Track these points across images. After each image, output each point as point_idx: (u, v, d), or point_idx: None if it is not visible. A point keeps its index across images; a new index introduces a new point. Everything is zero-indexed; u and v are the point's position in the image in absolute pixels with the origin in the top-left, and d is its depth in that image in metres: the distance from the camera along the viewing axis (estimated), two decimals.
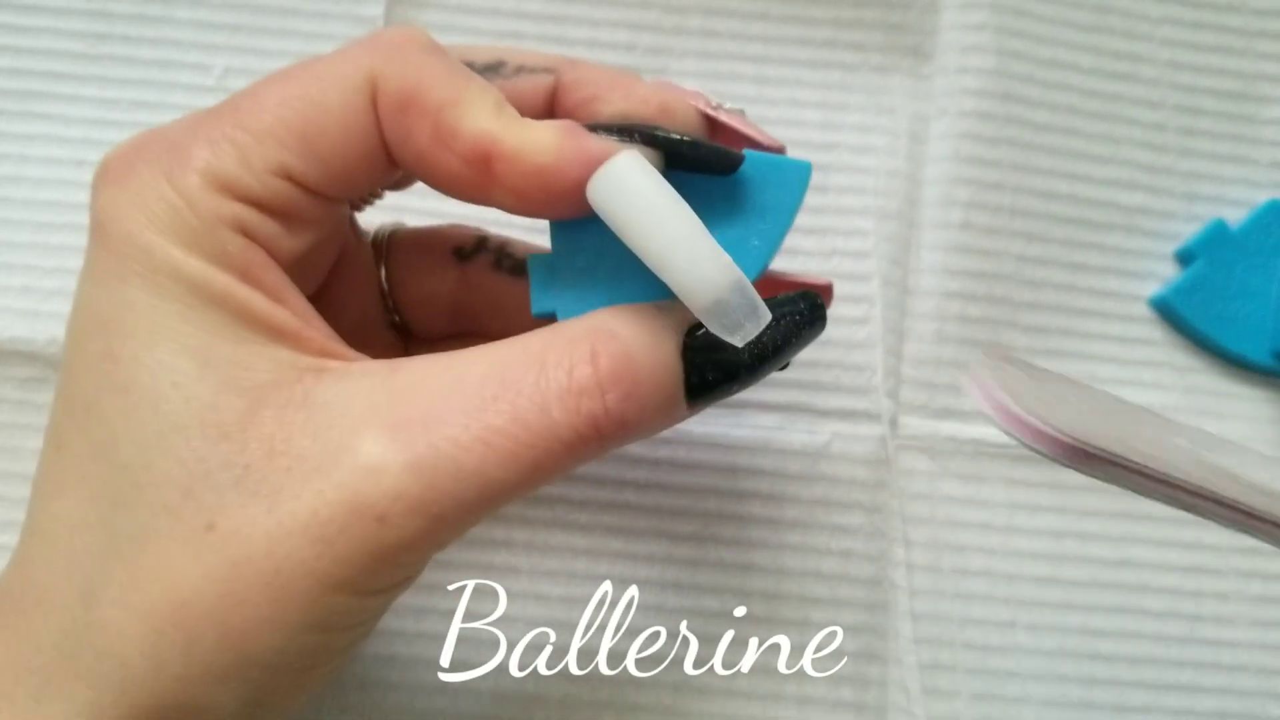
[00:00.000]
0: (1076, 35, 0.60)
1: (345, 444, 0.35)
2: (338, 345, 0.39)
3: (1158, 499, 0.31)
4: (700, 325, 0.37)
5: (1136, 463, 0.30)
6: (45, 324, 0.54)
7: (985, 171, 0.58)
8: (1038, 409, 0.31)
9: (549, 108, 0.43)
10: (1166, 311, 0.58)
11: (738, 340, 0.36)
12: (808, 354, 0.55)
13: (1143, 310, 0.58)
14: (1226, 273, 0.57)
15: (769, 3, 0.60)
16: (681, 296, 0.36)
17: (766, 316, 0.37)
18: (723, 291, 0.36)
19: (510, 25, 0.59)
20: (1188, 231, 0.59)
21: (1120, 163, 0.59)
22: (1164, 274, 0.59)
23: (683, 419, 0.40)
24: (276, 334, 0.37)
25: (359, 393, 0.36)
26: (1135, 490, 0.31)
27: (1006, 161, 0.58)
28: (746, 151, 0.39)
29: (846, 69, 0.60)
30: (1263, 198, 0.59)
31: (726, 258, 0.36)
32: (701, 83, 0.57)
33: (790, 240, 0.54)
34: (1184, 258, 0.58)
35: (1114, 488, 0.31)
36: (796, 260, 0.56)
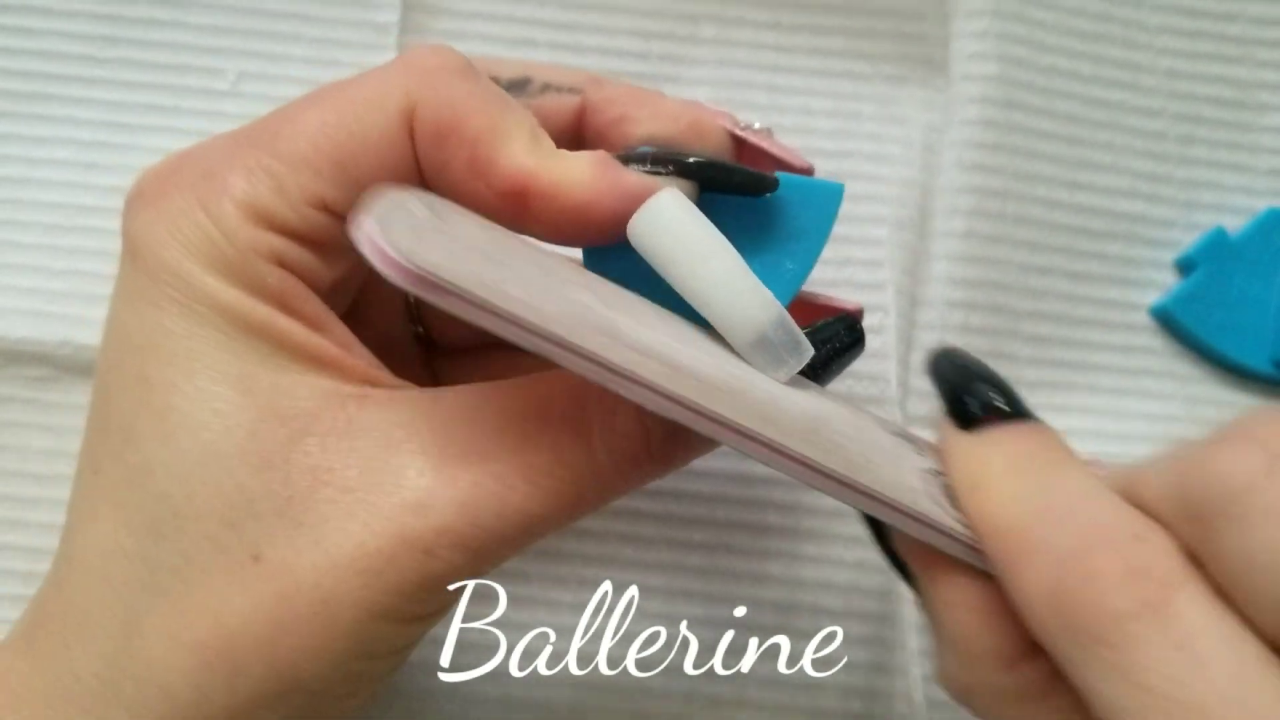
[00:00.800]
0: (1077, 43, 0.60)
1: (391, 476, 0.35)
2: (380, 373, 0.39)
3: (520, 343, 0.31)
4: None
5: (482, 299, 0.30)
6: (55, 325, 0.54)
7: (989, 179, 0.58)
8: (408, 241, 0.30)
9: (576, 128, 0.43)
10: (1167, 320, 0.58)
11: (781, 375, 0.37)
12: None
13: (1143, 319, 0.59)
14: (1226, 281, 0.58)
15: (782, 12, 0.59)
16: (723, 332, 0.36)
17: (809, 351, 0.37)
18: (765, 329, 0.36)
19: (524, 32, 0.59)
20: (1188, 240, 0.59)
21: (1120, 171, 0.59)
22: (1164, 282, 0.59)
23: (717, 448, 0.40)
24: (318, 362, 0.37)
25: (402, 422, 0.36)
26: (494, 330, 0.31)
27: (1009, 169, 0.58)
28: (779, 174, 0.40)
29: (859, 79, 0.60)
30: (1262, 206, 0.59)
31: (768, 293, 0.36)
32: (714, 92, 0.57)
33: None
34: (1184, 266, 0.59)
35: None
36: (813, 269, 0.56)
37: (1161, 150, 0.60)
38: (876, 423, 0.39)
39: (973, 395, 0.37)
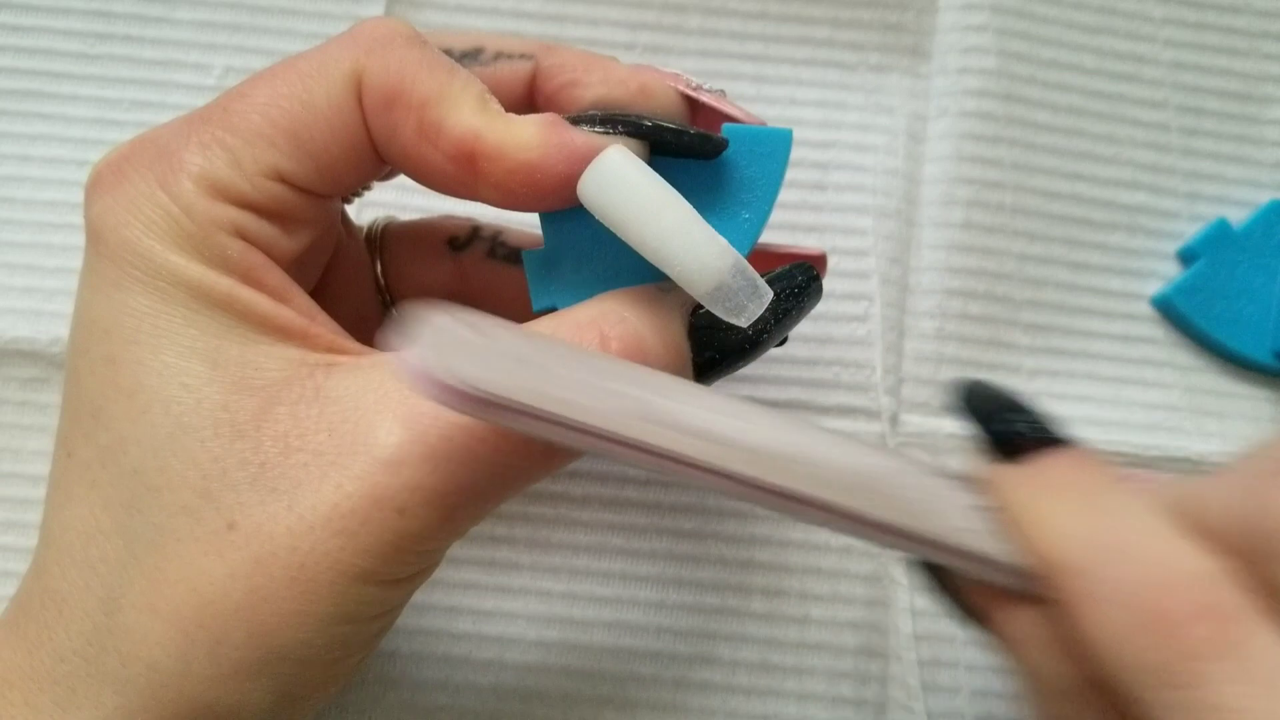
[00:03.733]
0: (1079, 36, 0.60)
1: (361, 437, 0.35)
2: (345, 340, 0.39)
3: (568, 443, 0.32)
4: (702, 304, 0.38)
5: (523, 404, 0.31)
6: (48, 324, 0.54)
7: (986, 171, 0.58)
8: (456, 364, 0.31)
9: (529, 94, 0.43)
10: (1168, 310, 0.58)
11: (742, 321, 0.37)
12: (808, 351, 0.55)
13: (1145, 309, 0.58)
14: (1228, 272, 0.57)
15: (768, 2, 0.60)
16: (683, 285, 0.36)
17: (769, 295, 0.37)
18: (723, 276, 0.36)
19: (509, 25, 0.59)
20: (1190, 231, 0.59)
21: (1123, 163, 0.59)
22: (1166, 273, 0.59)
23: None
24: (283, 333, 0.38)
25: (370, 385, 0.37)
26: (554, 438, 0.32)
27: (1008, 161, 0.58)
28: (725, 126, 0.40)
29: (845, 68, 0.60)
30: (1265, 197, 0.59)
31: (723, 241, 0.36)
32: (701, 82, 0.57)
33: (790, 237, 0.54)
34: (1186, 257, 0.58)
35: None
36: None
37: (1165, 142, 0.59)
38: (916, 465, 0.39)
39: (1011, 424, 0.37)
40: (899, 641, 0.53)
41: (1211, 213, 0.59)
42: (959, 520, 0.36)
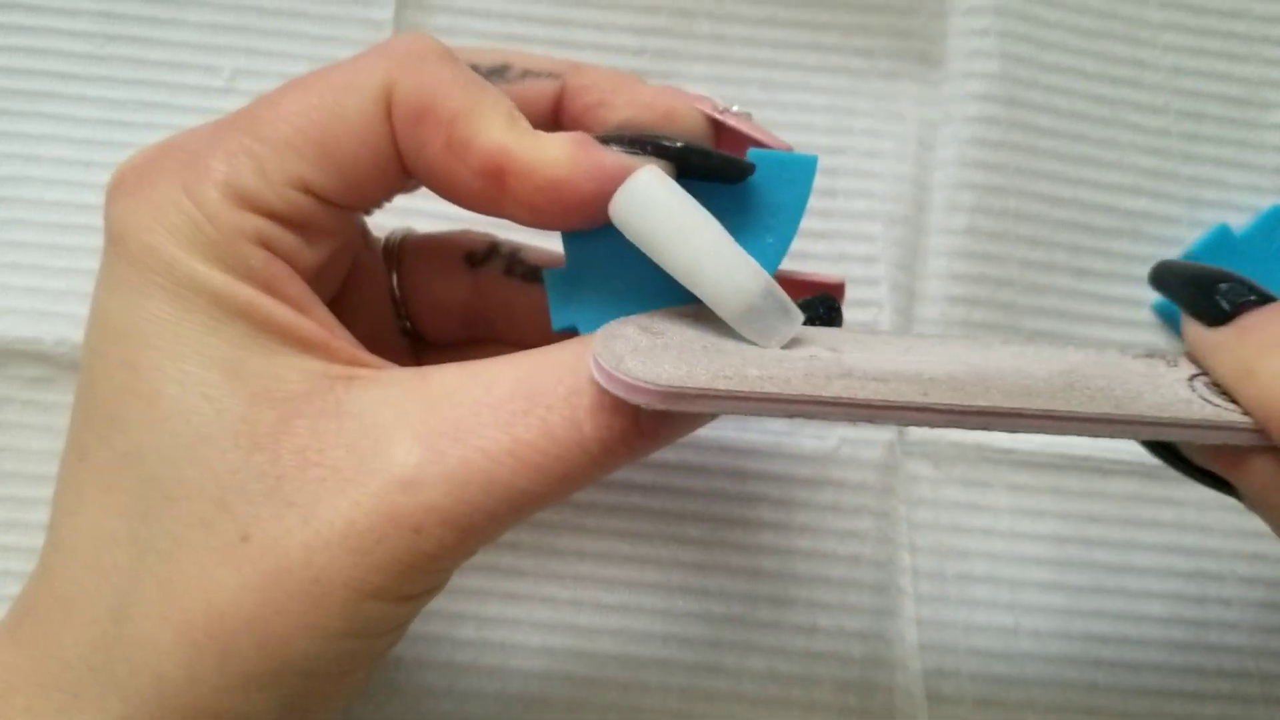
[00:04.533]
0: (1081, 41, 0.60)
1: (379, 454, 0.35)
2: (364, 354, 0.39)
3: (773, 415, 0.34)
4: None
5: (728, 390, 0.33)
6: (53, 324, 0.54)
7: (990, 176, 0.58)
8: (635, 365, 0.33)
9: (555, 113, 0.43)
10: (1171, 317, 0.58)
11: (772, 343, 0.37)
12: None
13: (1146, 315, 0.59)
14: None
15: (777, 8, 0.60)
16: (713, 306, 0.36)
17: (799, 317, 0.37)
18: (754, 298, 0.36)
19: (518, 29, 0.59)
20: (1192, 237, 0.59)
21: (1124, 168, 0.59)
22: None
23: (706, 423, 0.40)
24: (304, 345, 0.37)
25: (389, 401, 0.36)
26: (747, 412, 0.34)
27: (1011, 166, 0.58)
28: (751, 150, 0.40)
29: (855, 75, 0.60)
30: (1267, 203, 0.59)
31: (754, 264, 0.36)
32: (709, 87, 0.57)
33: (799, 244, 0.54)
34: None
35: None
36: (807, 264, 0.56)
37: (1166, 147, 0.60)
38: (1121, 352, 0.40)
39: (1219, 292, 0.39)
40: (905, 651, 0.53)
41: (1213, 218, 0.59)
42: (1178, 392, 0.37)
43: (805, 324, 0.39)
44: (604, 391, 0.36)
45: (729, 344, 0.36)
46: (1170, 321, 0.58)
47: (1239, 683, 0.54)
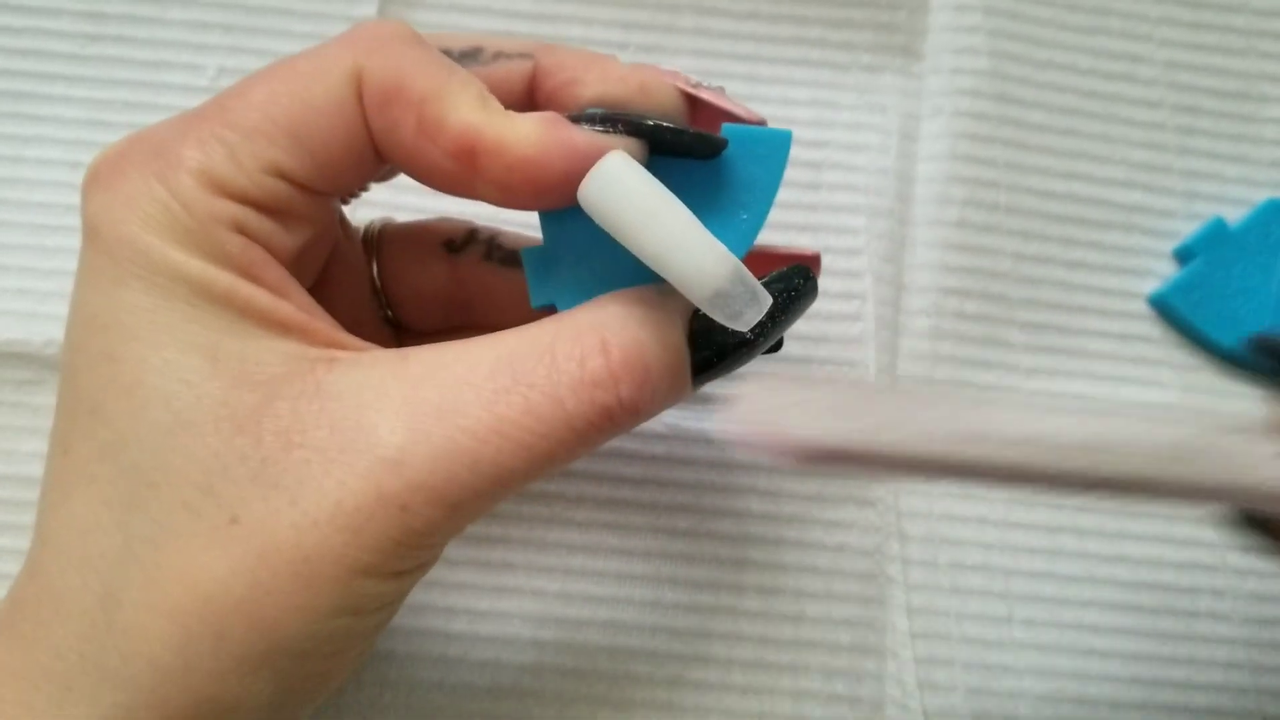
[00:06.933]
0: (1073, 37, 0.60)
1: (363, 434, 0.36)
2: (344, 336, 0.39)
3: (912, 477, 0.35)
4: None
5: (872, 452, 0.34)
6: (42, 326, 0.54)
7: (981, 170, 0.58)
8: (775, 424, 0.34)
9: (528, 93, 0.43)
10: (1165, 309, 0.58)
11: (741, 326, 0.37)
12: (802, 350, 0.55)
13: (1141, 308, 0.58)
14: (1225, 271, 0.57)
15: (760, 2, 0.60)
16: (682, 290, 0.36)
17: (768, 301, 0.37)
18: (723, 283, 0.36)
19: (502, 25, 0.59)
20: (1187, 230, 0.59)
21: (1119, 162, 0.59)
22: (1163, 272, 0.59)
23: (686, 399, 0.40)
24: (283, 328, 0.38)
25: (371, 382, 0.37)
26: (886, 475, 0.34)
27: (1002, 160, 0.58)
28: (725, 126, 0.40)
29: (837, 68, 0.60)
30: (1262, 196, 0.59)
31: (722, 248, 0.36)
32: None
33: (784, 236, 0.54)
34: (1183, 256, 0.58)
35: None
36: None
37: (1161, 141, 0.60)
38: (1208, 425, 0.40)
39: None
40: (896, 639, 0.53)
41: (1208, 211, 0.59)
42: (1272, 468, 0.37)
43: (781, 297, 0.40)
44: (584, 367, 0.36)
45: (857, 405, 0.37)
46: (1166, 314, 0.58)
47: (1230, 673, 0.54)
